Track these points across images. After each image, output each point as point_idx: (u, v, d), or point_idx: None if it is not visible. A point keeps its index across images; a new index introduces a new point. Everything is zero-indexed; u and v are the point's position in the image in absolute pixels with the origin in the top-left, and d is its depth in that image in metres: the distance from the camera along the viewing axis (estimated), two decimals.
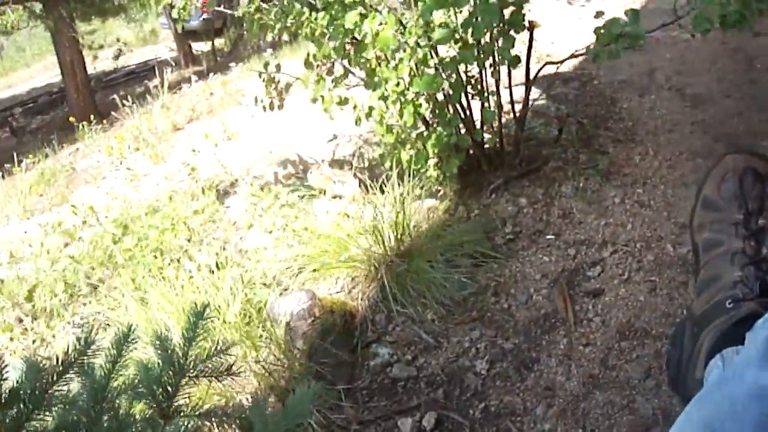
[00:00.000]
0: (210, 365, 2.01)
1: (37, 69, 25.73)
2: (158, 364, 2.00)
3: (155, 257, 5.02)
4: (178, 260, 4.91)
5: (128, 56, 19.70)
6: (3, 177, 10.29)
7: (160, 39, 22.86)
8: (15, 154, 10.74)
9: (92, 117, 11.28)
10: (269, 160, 7.40)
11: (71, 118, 11.20)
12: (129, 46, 20.28)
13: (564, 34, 8.95)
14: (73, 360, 1.84)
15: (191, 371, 1.98)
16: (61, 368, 1.81)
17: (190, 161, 7.60)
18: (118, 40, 20.49)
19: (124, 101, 11.03)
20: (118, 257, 5.27)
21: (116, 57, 18.67)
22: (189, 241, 5.17)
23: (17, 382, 1.81)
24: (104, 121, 12.28)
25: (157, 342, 2.07)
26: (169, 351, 2.01)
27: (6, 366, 1.77)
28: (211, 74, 12.46)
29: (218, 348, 2.04)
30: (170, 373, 1.96)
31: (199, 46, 18.65)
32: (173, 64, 15.69)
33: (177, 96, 12.27)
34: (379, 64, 4.72)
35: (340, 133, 7.10)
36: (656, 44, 7.13)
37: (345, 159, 6.41)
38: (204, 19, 15.55)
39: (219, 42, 18.18)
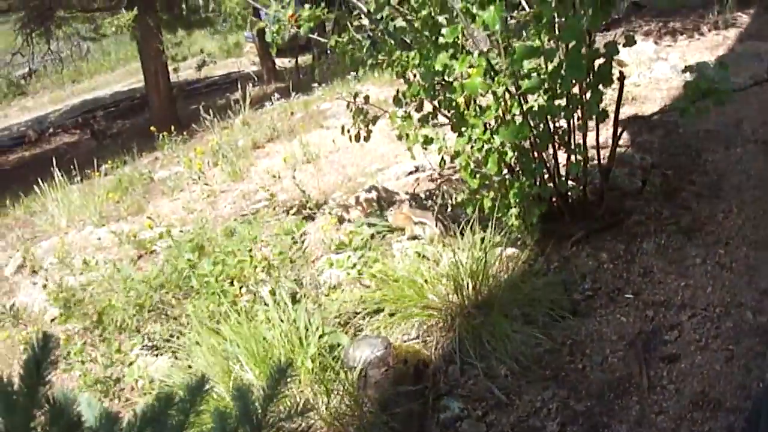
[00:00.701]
0: (288, 425, 2.02)
1: (120, 73, 26.23)
2: (235, 416, 2.02)
3: (231, 285, 5.07)
4: (254, 293, 4.95)
5: (211, 67, 19.94)
6: (81, 180, 10.41)
7: (243, 52, 23.12)
8: (95, 159, 10.88)
9: (172, 127, 11.41)
10: (348, 187, 7.46)
11: (152, 128, 11.34)
12: (212, 57, 20.49)
13: (649, 75, 8.91)
14: (150, 418, 1.86)
15: (269, 429, 2.01)
16: (138, 425, 1.84)
17: (268, 185, 7.68)
18: (201, 51, 20.74)
19: (205, 114, 11.15)
20: (193, 281, 5.32)
21: (199, 67, 18.92)
22: (264, 269, 5.21)
23: (90, 428, 1.85)
24: (184, 132, 12.42)
25: (237, 393, 2.09)
26: (248, 405, 2.03)
27: (79, 407, 1.82)
28: (293, 93, 12.55)
29: (298, 409, 2.06)
30: (247, 428, 1.98)
31: (283, 62, 18.83)
32: (255, 78, 15.83)
33: (258, 113, 12.40)
34: (467, 107, 4.75)
35: (422, 165, 7.13)
36: (744, 92, 7.06)
37: (426, 196, 6.43)
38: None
39: (302, 59, 18.31)
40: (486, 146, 4.57)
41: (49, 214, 9.15)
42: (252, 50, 20.97)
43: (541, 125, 4.72)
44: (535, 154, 4.84)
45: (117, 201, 9.03)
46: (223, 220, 7.41)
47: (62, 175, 9.88)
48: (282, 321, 4.31)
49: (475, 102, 4.81)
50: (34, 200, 10.08)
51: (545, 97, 4.60)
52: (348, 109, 5.84)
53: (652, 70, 9.10)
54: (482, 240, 4.66)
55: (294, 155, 8.73)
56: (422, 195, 6.53)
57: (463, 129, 4.74)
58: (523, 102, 4.60)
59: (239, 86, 12.56)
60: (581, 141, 4.91)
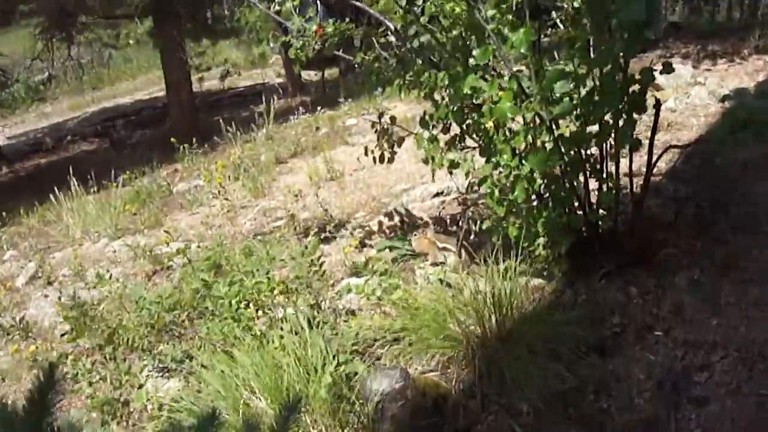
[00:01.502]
0: None
1: (142, 81, 26.35)
2: None
3: (247, 307, 5.05)
4: (270, 318, 4.92)
5: (236, 78, 19.96)
6: (98, 190, 10.38)
7: (269, 63, 23.12)
8: (113, 169, 10.85)
9: (194, 139, 11.42)
10: (372, 207, 7.46)
11: (172, 139, 11.35)
12: (237, 68, 20.54)
13: (686, 100, 8.83)
14: None
15: None
16: None
17: (290, 203, 7.68)
18: (226, 61, 20.83)
19: (228, 127, 11.16)
20: (207, 303, 5.29)
21: (223, 78, 18.99)
22: (282, 292, 5.17)
23: None
24: (205, 145, 12.45)
25: (246, 427, 2.07)
26: None
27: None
28: (318, 108, 12.55)
29: None
30: None
31: (309, 74, 18.79)
32: (280, 91, 15.85)
33: (282, 126, 12.41)
34: (497, 131, 4.71)
35: (448, 187, 7.11)
36: None
37: (450, 220, 6.42)
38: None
39: (329, 72, 18.27)
40: (514, 173, 4.54)
41: (64, 224, 9.21)
42: (278, 61, 20.94)
43: (572, 152, 4.68)
44: (565, 181, 4.80)
45: (134, 213, 9.04)
46: (242, 237, 7.42)
47: (78, 185, 9.91)
48: (297, 347, 4.28)
49: (504, 126, 4.77)
50: (48, 209, 10.14)
51: (577, 124, 4.56)
52: (373, 129, 5.83)
53: (689, 96, 9.02)
54: (507, 269, 4.62)
55: (317, 172, 8.73)
56: (447, 219, 6.51)
57: (491, 153, 4.71)
58: (553, 128, 4.57)
59: (263, 98, 12.55)
60: (613, 169, 4.86)
